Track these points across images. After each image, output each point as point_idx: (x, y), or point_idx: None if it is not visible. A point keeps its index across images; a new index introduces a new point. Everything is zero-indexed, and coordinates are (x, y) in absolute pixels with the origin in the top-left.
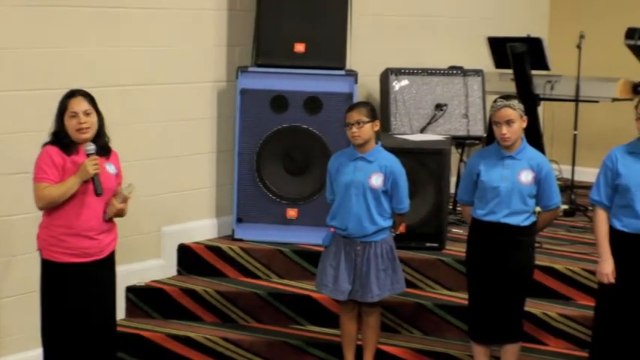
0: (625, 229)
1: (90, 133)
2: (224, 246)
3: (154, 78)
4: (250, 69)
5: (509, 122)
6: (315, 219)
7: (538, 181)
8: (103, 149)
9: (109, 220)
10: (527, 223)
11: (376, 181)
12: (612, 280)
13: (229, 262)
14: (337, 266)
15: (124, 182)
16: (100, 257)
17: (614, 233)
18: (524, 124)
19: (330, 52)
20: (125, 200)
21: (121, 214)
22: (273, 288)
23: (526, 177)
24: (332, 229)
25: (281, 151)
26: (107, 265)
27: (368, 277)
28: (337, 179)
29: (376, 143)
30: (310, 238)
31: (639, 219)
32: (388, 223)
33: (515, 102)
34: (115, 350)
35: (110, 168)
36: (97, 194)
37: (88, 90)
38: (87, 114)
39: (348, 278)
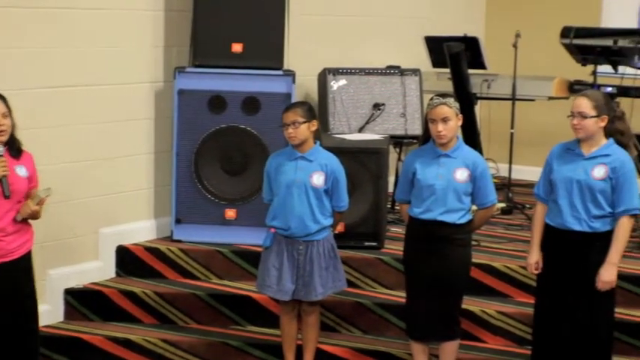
0: (551, 224)
1: (6, 136)
2: (163, 247)
3: (91, 79)
4: (188, 69)
5: (445, 120)
6: (254, 219)
7: (473, 179)
8: (15, 151)
9: (23, 222)
10: (463, 220)
11: (318, 180)
12: (535, 271)
13: (168, 263)
14: (280, 267)
15: (58, 184)
16: (9, 259)
17: (546, 227)
18: (460, 123)
19: (267, 52)
20: (41, 203)
21: (35, 216)
22: (213, 289)
23: (461, 175)
24: (272, 230)
25: (219, 151)
26: (19, 267)
27: (311, 276)
28: (277, 179)
29: (315, 142)
30: (249, 238)
31: (561, 214)
32: (329, 221)
33: (451, 100)
34: (35, 354)
35: (21, 170)
36: (5, 196)
37: (25, 92)
38: (4, 116)
39: (291, 278)
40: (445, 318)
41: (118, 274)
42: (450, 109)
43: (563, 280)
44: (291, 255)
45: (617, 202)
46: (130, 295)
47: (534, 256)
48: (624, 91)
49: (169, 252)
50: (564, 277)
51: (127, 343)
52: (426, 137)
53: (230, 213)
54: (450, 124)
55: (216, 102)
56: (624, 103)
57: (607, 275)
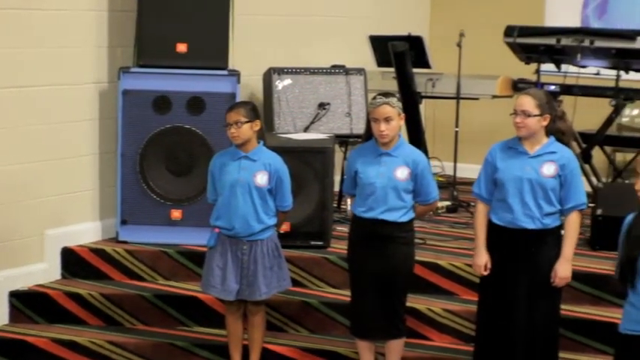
0: (500, 223)
1: None
2: (108, 248)
3: (35, 80)
4: (132, 70)
5: (387, 119)
6: (199, 219)
7: (414, 177)
8: None
9: None
10: (405, 219)
11: (261, 179)
12: (484, 272)
13: (114, 264)
14: (224, 266)
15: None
16: None
17: (491, 227)
18: (402, 122)
19: (212, 52)
20: None
21: None
22: (159, 290)
23: (402, 173)
24: (216, 230)
25: (164, 152)
26: None
27: (255, 276)
28: (221, 179)
29: (259, 142)
30: (195, 238)
31: (512, 213)
32: (273, 221)
33: (393, 99)
34: None
35: None
36: None
37: None
38: None
39: (235, 278)
40: (390, 316)
41: (63, 276)
42: (392, 109)
43: (513, 278)
44: (235, 255)
45: (566, 199)
46: (76, 297)
47: (483, 258)
48: (567, 90)
49: (115, 253)
50: (514, 275)
51: (72, 345)
52: (368, 136)
53: (176, 213)
54: (392, 124)
55: (161, 102)
56: (567, 101)
57: (563, 271)
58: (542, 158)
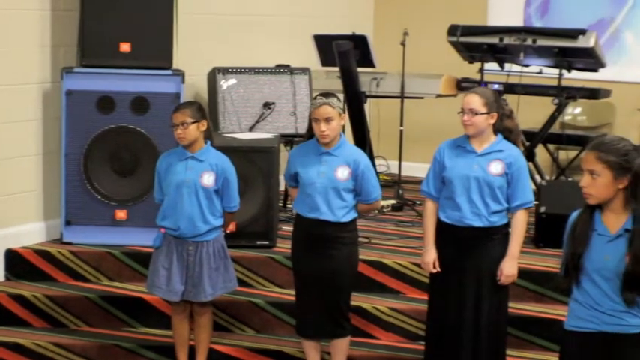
0: (447, 221)
1: None
2: (53, 250)
3: None
4: (75, 70)
5: (328, 120)
6: (145, 220)
7: (355, 177)
8: None
9: None
10: (347, 219)
11: (208, 180)
12: (432, 269)
13: (59, 265)
14: (169, 267)
15: None
16: None
17: (440, 225)
18: (343, 122)
19: (156, 51)
20: None
21: None
22: (104, 291)
23: (342, 173)
24: (162, 230)
25: (109, 152)
26: None
27: (201, 277)
28: (167, 179)
29: (205, 142)
30: (140, 239)
31: (460, 211)
32: (220, 222)
33: (334, 100)
34: None
35: None
36: None
37: None
38: None
39: (180, 279)
40: (334, 315)
41: (7, 278)
42: (333, 109)
43: (461, 275)
44: (181, 255)
45: (513, 197)
46: (20, 299)
47: (431, 255)
48: (510, 88)
49: (59, 254)
50: (462, 272)
51: (17, 348)
52: (310, 135)
53: (120, 214)
54: (333, 124)
55: (105, 102)
56: (510, 99)
57: (509, 269)
58: (490, 157)
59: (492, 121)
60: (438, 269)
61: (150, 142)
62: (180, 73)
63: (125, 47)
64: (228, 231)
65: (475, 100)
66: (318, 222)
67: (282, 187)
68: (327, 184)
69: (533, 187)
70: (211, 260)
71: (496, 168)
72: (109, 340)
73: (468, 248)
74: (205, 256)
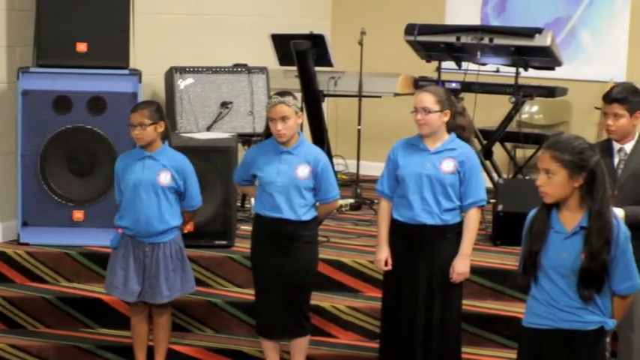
0: (401, 219)
1: None
2: (9, 251)
3: None
4: (32, 69)
5: (284, 119)
6: (102, 220)
7: (315, 175)
8: None
9: None
10: (307, 217)
11: (165, 178)
12: (384, 267)
13: (15, 267)
14: (127, 268)
15: None
16: None
17: (393, 223)
18: (300, 120)
19: (112, 51)
20: None
21: None
22: (62, 292)
23: (302, 171)
24: (120, 230)
25: (65, 152)
26: None
27: (157, 278)
28: (124, 179)
29: (163, 142)
30: (98, 240)
31: (412, 209)
32: (178, 222)
33: (289, 99)
34: None
35: None
36: None
37: None
38: None
39: (137, 280)
40: (294, 315)
41: None
42: (288, 108)
43: (414, 273)
44: (138, 256)
45: (466, 195)
46: None
47: (383, 253)
48: (468, 87)
49: (16, 255)
50: (415, 270)
51: None
52: (267, 134)
53: (78, 214)
54: (289, 123)
55: (62, 102)
56: (468, 98)
57: (461, 267)
58: (442, 155)
59: (446, 119)
60: (390, 267)
61: (107, 142)
62: (137, 73)
63: (82, 47)
64: (185, 231)
65: (428, 99)
66: (278, 221)
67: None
68: (287, 182)
69: (490, 185)
70: (168, 262)
71: (448, 166)
72: (66, 341)
73: (421, 246)
74: (162, 257)
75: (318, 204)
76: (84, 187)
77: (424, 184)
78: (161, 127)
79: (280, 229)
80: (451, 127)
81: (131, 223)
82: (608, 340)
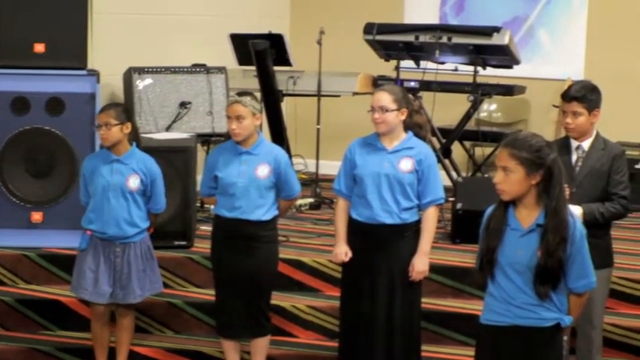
0: (359, 218)
1: None
2: None
3: None
4: None
5: (239, 118)
6: (61, 222)
7: (277, 175)
8: None
9: None
10: (267, 217)
11: (134, 183)
12: (344, 258)
13: None
14: (96, 269)
15: None
16: None
17: (351, 222)
18: (258, 122)
19: (70, 51)
20: None
21: None
22: (20, 294)
23: (262, 171)
24: (88, 232)
25: (24, 153)
26: None
27: (129, 279)
28: (93, 182)
29: (131, 144)
30: (57, 241)
31: (371, 208)
32: (146, 224)
33: (247, 99)
34: None
35: None
36: None
37: None
38: None
39: (108, 281)
40: (255, 315)
41: None
42: (244, 108)
43: (373, 272)
44: (108, 257)
45: (424, 194)
46: None
47: (342, 247)
48: (426, 86)
49: None
50: (374, 269)
51: None
52: (230, 135)
53: (36, 216)
54: (245, 123)
55: (19, 103)
56: (427, 97)
57: (421, 265)
58: (400, 154)
59: (403, 117)
60: (348, 259)
61: (65, 143)
62: (95, 74)
63: (39, 48)
64: (150, 232)
65: (384, 98)
66: (238, 221)
67: (199, 187)
68: (247, 183)
69: (449, 183)
70: (139, 262)
71: (406, 165)
72: (25, 344)
73: (380, 245)
74: (133, 257)
75: (281, 200)
76: (42, 188)
77: (382, 183)
78: (127, 129)
79: (240, 229)
80: (408, 126)
81: (100, 226)
82: (566, 337)
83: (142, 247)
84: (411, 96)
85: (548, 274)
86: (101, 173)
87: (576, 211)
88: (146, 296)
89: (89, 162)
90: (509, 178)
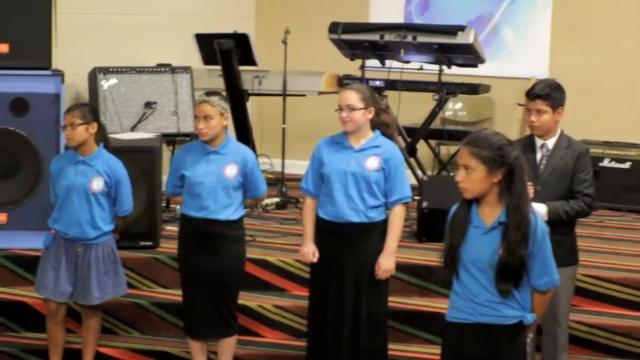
0: (326, 217)
1: None
2: None
3: None
4: None
5: (206, 118)
6: (26, 223)
7: (244, 175)
8: None
9: None
10: (235, 216)
11: (97, 185)
12: (311, 259)
13: None
14: (58, 268)
15: None
16: None
17: (319, 221)
18: (226, 122)
19: (34, 52)
20: None
21: None
22: None
23: (230, 171)
24: (53, 231)
25: None
26: None
27: (89, 280)
28: (59, 182)
29: (98, 145)
30: (22, 242)
31: (337, 206)
32: (110, 227)
33: (215, 99)
34: None
35: None
36: None
37: None
38: None
39: (68, 280)
40: (221, 315)
41: None
42: (212, 108)
43: (340, 271)
44: (70, 257)
45: (390, 192)
46: None
47: (310, 246)
48: (392, 85)
49: None
50: (341, 268)
51: None
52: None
53: (1, 217)
54: (212, 123)
55: None
56: (392, 96)
57: (387, 263)
58: (367, 152)
59: (370, 116)
60: (315, 260)
61: (30, 143)
62: (59, 74)
63: (3, 48)
64: (117, 236)
65: (352, 96)
66: (206, 221)
67: (165, 187)
68: (215, 182)
69: (415, 182)
70: (100, 264)
71: (373, 163)
72: None
73: (346, 244)
74: (94, 259)
75: (246, 199)
76: (7, 189)
77: (349, 181)
78: (93, 129)
79: (208, 228)
80: (375, 125)
81: (63, 226)
82: (531, 335)
83: (104, 250)
84: (378, 95)
85: (510, 272)
86: (66, 174)
87: (541, 209)
88: (107, 299)
89: (56, 162)
90: (471, 176)
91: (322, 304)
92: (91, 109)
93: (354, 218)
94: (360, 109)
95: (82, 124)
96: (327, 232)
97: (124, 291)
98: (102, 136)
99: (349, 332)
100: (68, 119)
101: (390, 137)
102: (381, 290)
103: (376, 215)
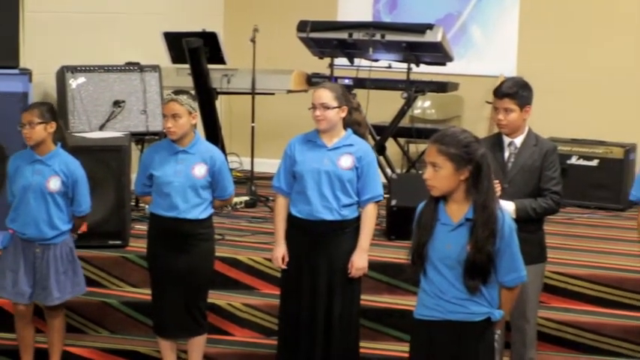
0: (299, 215)
1: None
2: None
3: None
4: None
5: (174, 116)
6: None
7: (212, 174)
8: None
9: None
10: (204, 215)
11: (54, 185)
12: (282, 265)
13: None
14: (17, 269)
15: None
16: None
17: (291, 219)
18: (194, 121)
19: (1, 50)
20: None
21: None
22: None
23: (199, 170)
24: (11, 231)
25: None
26: None
27: (48, 280)
28: (15, 181)
29: (56, 145)
30: None
31: (311, 204)
32: (68, 226)
33: (183, 97)
34: None
35: None
36: None
37: None
38: None
39: (28, 281)
40: (191, 314)
41: None
42: (180, 107)
43: (312, 269)
44: (28, 257)
45: (363, 190)
46: None
47: (280, 250)
48: (360, 83)
49: None
50: (314, 266)
51: None
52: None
53: None
54: (180, 122)
55: None
56: (360, 94)
57: (360, 261)
58: (340, 151)
59: (343, 114)
60: (285, 266)
61: None
62: (27, 72)
63: None
64: (80, 232)
65: (326, 95)
66: (175, 220)
67: (133, 186)
68: (184, 182)
69: (384, 180)
70: (59, 264)
71: (346, 162)
72: None
73: (319, 242)
74: (52, 259)
75: (215, 199)
76: None
77: (322, 180)
78: (52, 128)
79: (177, 228)
80: (347, 123)
81: (21, 226)
82: (499, 332)
83: (62, 249)
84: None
85: (478, 268)
86: (23, 173)
87: (508, 207)
88: (66, 299)
89: (14, 161)
90: (438, 173)
91: (295, 302)
92: (49, 108)
93: (328, 216)
94: (333, 107)
95: (40, 123)
96: (300, 229)
97: (83, 290)
98: (60, 136)
99: (321, 331)
100: (26, 118)
101: (362, 136)
102: (354, 288)
103: (349, 213)
